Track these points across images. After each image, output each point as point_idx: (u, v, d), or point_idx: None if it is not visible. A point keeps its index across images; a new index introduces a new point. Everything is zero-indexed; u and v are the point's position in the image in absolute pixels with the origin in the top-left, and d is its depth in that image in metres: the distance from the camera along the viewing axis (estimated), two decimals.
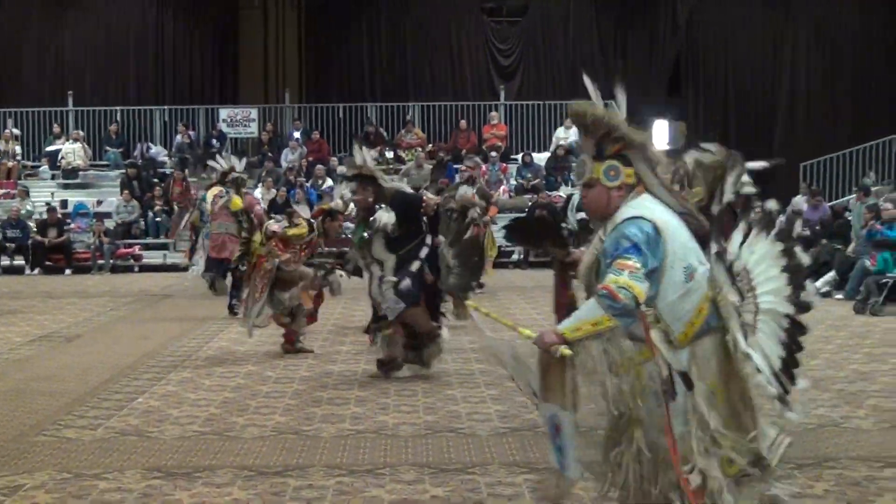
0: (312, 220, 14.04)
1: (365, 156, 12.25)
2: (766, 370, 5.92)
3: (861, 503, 7.35)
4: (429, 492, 7.66)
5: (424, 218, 12.17)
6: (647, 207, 5.76)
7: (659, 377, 5.70)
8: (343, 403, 10.89)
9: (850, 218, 23.79)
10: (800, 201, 24.92)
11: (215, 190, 17.97)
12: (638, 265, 5.56)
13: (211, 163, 18.72)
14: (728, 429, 5.84)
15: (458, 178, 23.12)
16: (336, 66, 35.43)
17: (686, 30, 35.08)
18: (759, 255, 5.94)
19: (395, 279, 11.94)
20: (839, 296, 20.44)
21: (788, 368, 6.04)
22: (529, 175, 31.14)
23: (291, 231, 13.92)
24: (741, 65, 35.09)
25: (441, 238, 12.70)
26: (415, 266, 11.97)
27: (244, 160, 18.56)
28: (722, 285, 5.77)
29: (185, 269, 23.84)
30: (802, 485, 7.76)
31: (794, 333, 5.93)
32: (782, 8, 34.81)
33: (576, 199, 28.39)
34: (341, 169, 29.60)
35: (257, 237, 14.19)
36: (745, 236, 5.96)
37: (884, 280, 18.97)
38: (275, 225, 14.13)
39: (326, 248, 16.01)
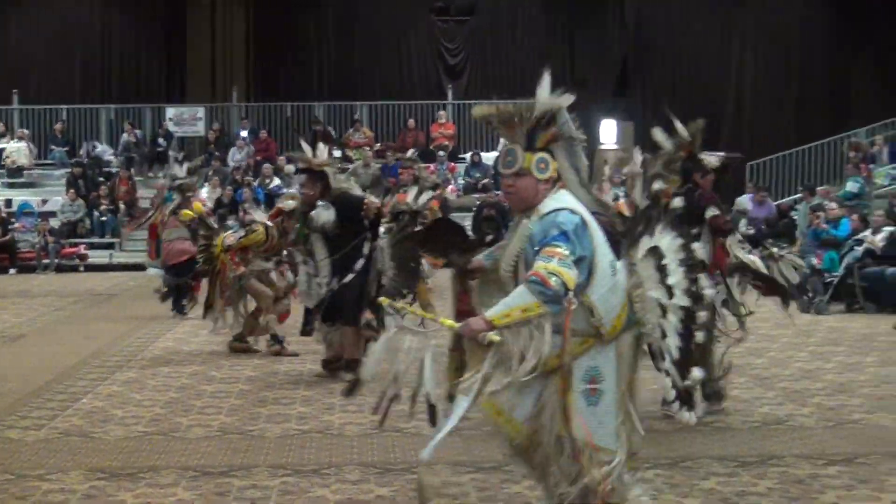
0: (269, 224, 13.88)
1: (320, 152, 12.19)
2: (671, 366, 6.10)
3: (804, 500, 7.39)
4: (374, 491, 7.65)
5: (366, 222, 12.00)
6: (570, 201, 5.86)
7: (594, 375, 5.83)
8: (289, 403, 10.87)
9: (795, 217, 23.92)
10: (744, 201, 25.04)
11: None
12: (566, 252, 5.61)
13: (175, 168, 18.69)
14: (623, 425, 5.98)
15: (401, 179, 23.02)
16: (284, 64, 35.32)
17: (634, 29, 35.19)
18: (664, 249, 6.17)
19: (327, 282, 11.80)
20: None
21: (685, 362, 6.14)
22: (478, 174, 31.14)
23: (247, 239, 13.81)
24: (689, 65, 35.23)
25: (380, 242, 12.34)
26: (348, 277, 11.74)
27: (185, 165, 18.47)
28: (644, 281, 5.99)
29: (145, 268, 23.71)
30: (746, 483, 7.81)
31: (688, 326, 6.12)
32: (729, 8, 34.97)
33: None
34: (289, 168, 29.52)
35: (220, 239, 14.15)
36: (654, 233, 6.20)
37: (829, 279, 19.09)
38: (231, 237, 14.02)
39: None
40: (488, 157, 32.01)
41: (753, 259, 10.62)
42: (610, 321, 5.82)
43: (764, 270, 10.55)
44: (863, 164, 26.28)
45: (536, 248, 5.69)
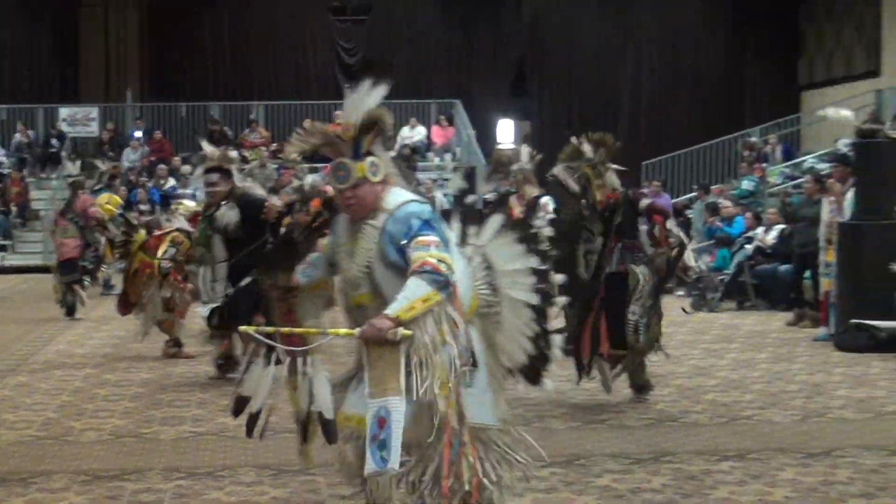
0: (190, 230, 13.62)
1: (217, 150, 12.08)
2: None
3: (697, 496, 7.45)
4: (268, 493, 7.60)
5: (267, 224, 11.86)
6: (408, 193, 5.91)
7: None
8: (183, 406, 10.79)
9: (690, 216, 24.13)
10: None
11: (105, 196, 17.85)
12: (437, 239, 5.64)
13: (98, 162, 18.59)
14: None
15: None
16: (178, 64, 35.03)
17: (531, 30, 35.31)
18: (503, 247, 6.30)
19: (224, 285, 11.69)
20: (680, 292, 20.72)
21: (536, 365, 6.45)
22: None
23: (181, 254, 13.62)
24: (585, 64, 35.43)
25: None
26: (245, 281, 11.19)
27: (78, 162, 18.34)
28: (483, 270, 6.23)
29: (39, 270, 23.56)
30: (640, 479, 7.87)
31: (540, 322, 6.34)
32: (624, 8, 35.23)
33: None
34: (185, 168, 29.28)
35: (140, 236, 14.03)
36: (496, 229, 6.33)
37: (721, 277, 19.29)
38: (166, 261, 13.77)
39: None
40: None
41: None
42: (467, 303, 5.93)
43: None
44: (756, 163, 26.58)
45: (404, 243, 5.66)
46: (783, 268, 18.15)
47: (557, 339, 6.43)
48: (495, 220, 6.37)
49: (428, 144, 33.35)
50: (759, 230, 19.52)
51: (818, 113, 22.96)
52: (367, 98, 5.82)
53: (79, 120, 32.61)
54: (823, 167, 20.94)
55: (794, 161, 27.25)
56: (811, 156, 26.80)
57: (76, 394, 11.42)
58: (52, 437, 9.48)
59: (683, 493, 7.51)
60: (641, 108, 35.43)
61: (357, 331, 5.59)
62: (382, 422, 5.50)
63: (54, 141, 31.80)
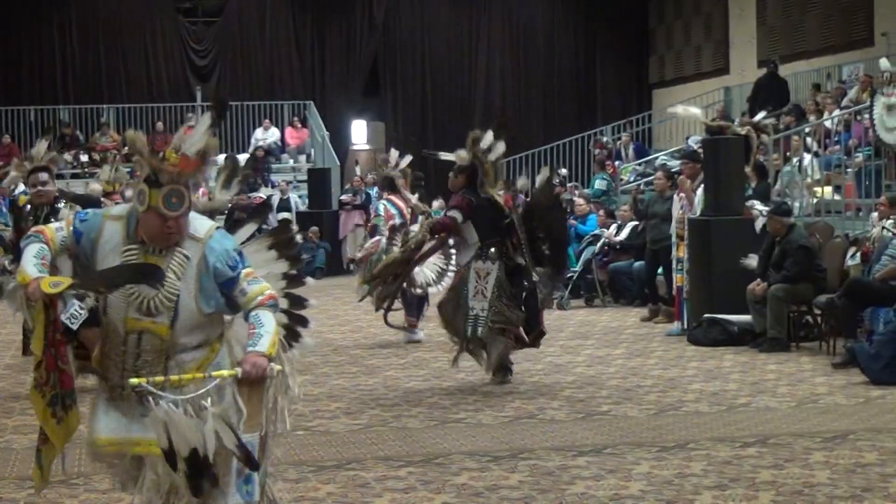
0: None
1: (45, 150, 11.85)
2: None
3: (554, 491, 7.49)
4: (125, 499, 7.48)
5: None
6: (204, 219, 5.90)
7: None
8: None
9: None
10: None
11: None
12: (252, 269, 5.78)
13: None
14: None
15: None
16: (26, 67, 34.32)
17: (383, 30, 35.28)
18: (254, 254, 6.33)
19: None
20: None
21: None
22: None
23: None
24: (438, 64, 35.48)
25: None
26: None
27: None
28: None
29: None
30: (498, 476, 7.89)
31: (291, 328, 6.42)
32: (475, 8, 35.37)
33: (275, 200, 28.43)
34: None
35: None
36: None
37: (568, 274, 19.40)
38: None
39: None
40: (242, 158, 31.73)
41: None
42: None
43: None
44: (608, 161, 26.85)
45: (234, 275, 5.64)
46: (637, 264, 18.35)
47: (309, 342, 6.55)
48: (248, 228, 6.57)
49: (282, 146, 33.19)
50: (614, 228, 19.69)
51: (668, 111, 23.26)
52: (204, 131, 5.74)
53: None
54: (674, 164, 21.18)
55: (645, 159, 27.57)
56: (662, 153, 27.15)
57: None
58: None
59: (540, 489, 7.55)
60: (495, 108, 35.52)
61: (239, 371, 5.51)
62: (250, 457, 5.53)
63: None
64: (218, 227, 5.79)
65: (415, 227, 11.87)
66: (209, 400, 5.53)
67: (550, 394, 11.14)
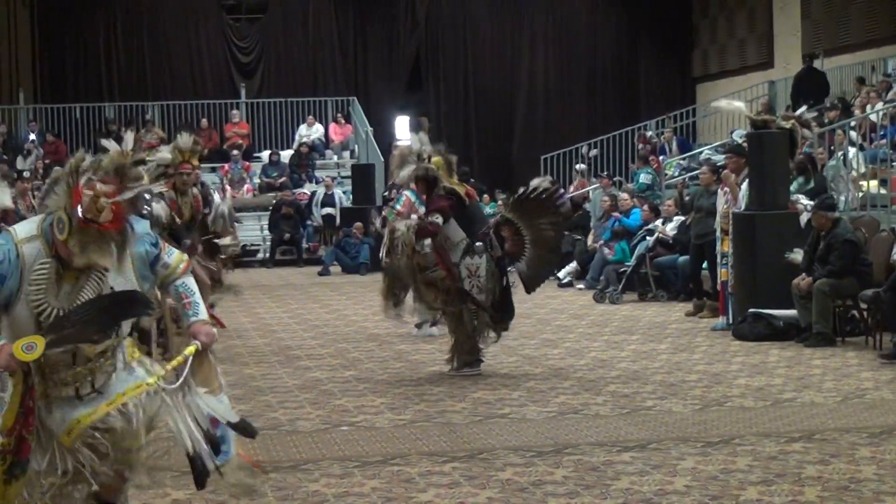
0: None
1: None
2: None
3: (599, 487, 7.48)
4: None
5: None
6: None
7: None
8: None
9: (588, 209, 24.26)
10: None
11: None
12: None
13: None
14: None
15: None
16: (72, 65, 34.58)
17: (425, 25, 35.32)
18: None
19: None
20: (580, 286, 20.87)
21: None
22: (275, 173, 30.94)
23: None
24: (480, 59, 35.52)
25: None
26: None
27: None
28: None
29: None
30: (542, 472, 7.88)
31: None
32: (518, 3, 35.38)
33: (320, 195, 28.52)
34: None
35: None
36: None
37: (622, 269, 19.40)
38: None
39: None
40: (283, 156, 31.87)
41: None
42: None
43: None
44: (652, 156, 26.78)
45: (157, 253, 5.69)
46: (682, 259, 18.30)
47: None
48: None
49: (326, 142, 33.28)
50: (658, 222, 19.64)
51: (712, 105, 23.18)
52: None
53: None
54: (719, 158, 21.10)
55: (690, 153, 27.48)
56: (707, 147, 27.05)
57: None
58: None
59: (585, 485, 7.54)
60: (538, 102, 35.59)
61: (198, 344, 5.62)
62: (215, 422, 5.63)
63: None
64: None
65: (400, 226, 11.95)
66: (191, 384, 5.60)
67: (595, 389, 11.11)
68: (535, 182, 12.34)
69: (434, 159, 12.19)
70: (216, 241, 13.07)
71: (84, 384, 5.48)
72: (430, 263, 11.91)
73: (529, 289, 12.56)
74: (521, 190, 12.30)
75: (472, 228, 12.03)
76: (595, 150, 29.40)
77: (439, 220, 11.83)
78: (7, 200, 6.23)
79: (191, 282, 5.73)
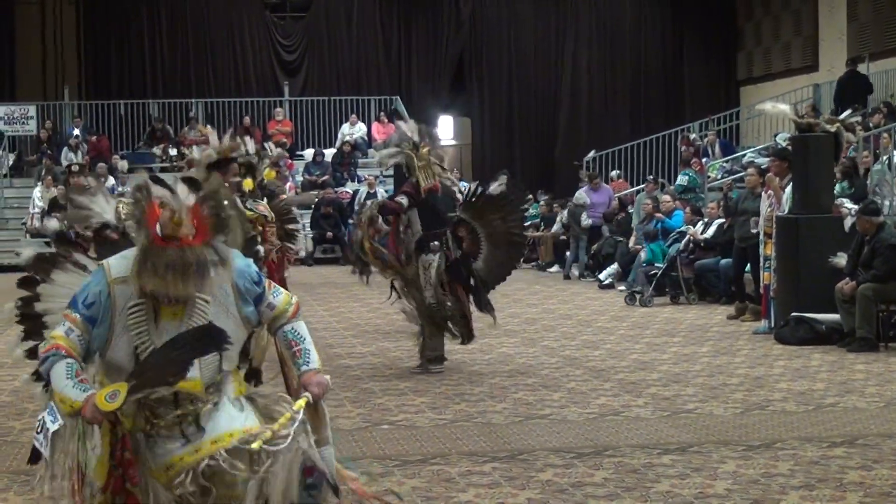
0: None
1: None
2: None
3: (639, 489, 7.47)
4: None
5: None
6: None
7: None
8: None
9: (631, 211, 24.22)
10: (582, 195, 25.25)
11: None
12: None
13: None
14: None
15: None
16: (116, 62, 34.76)
17: (469, 25, 35.35)
18: None
19: None
20: (622, 287, 20.82)
21: None
22: (318, 171, 31.01)
23: None
24: (524, 59, 35.50)
25: None
26: None
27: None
28: None
29: None
30: (582, 473, 7.88)
31: None
32: (562, 3, 35.34)
33: (362, 194, 28.52)
34: (123, 165, 29.12)
35: None
36: None
37: (653, 271, 19.35)
38: None
39: None
40: (328, 154, 31.94)
41: None
42: None
43: None
44: (695, 158, 26.70)
45: (259, 293, 5.27)
46: (724, 261, 18.23)
47: None
48: None
49: (368, 141, 33.32)
50: (700, 225, 19.56)
51: (757, 108, 23.09)
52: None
53: (16, 118, 32.22)
54: (762, 161, 21.01)
55: (733, 155, 27.37)
56: (750, 150, 26.94)
57: (16, 394, 11.31)
58: None
59: (625, 487, 7.53)
60: (581, 104, 35.55)
61: (309, 397, 5.16)
62: (311, 470, 5.16)
63: None
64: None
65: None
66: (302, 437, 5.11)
67: (636, 391, 11.09)
68: (492, 188, 12.67)
69: (423, 150, 12.49)
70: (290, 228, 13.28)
71: (188, 423, 5.07)
72: (382, 239, 12.61)
73: (490, 285, 12.71)
74: (473, 190, 12.78)
75: (430, 224, 12.37)
76: (592, 153, 29.31)
77: (404, 200, 12.33)
78: (108, 214, 5.73)
79: (301, 327, 5.33)
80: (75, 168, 17.90)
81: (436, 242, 12.27)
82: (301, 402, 5.14)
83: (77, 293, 5.14)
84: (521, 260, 14.96)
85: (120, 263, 5.09)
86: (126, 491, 5.04)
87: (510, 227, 12.67)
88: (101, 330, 5.04)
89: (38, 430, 5.14)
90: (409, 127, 12.75)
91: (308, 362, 5.27)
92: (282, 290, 5.36)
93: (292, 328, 5.32)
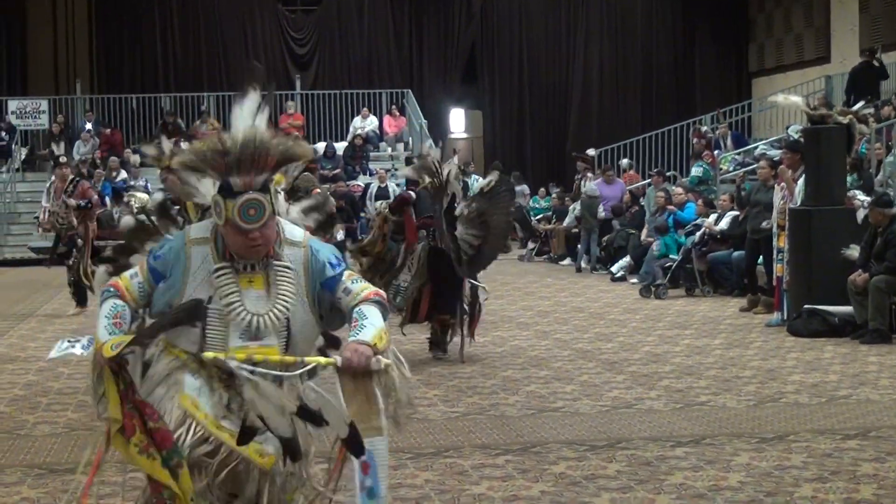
0: None
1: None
2: None
3: (652, 482, 7.47)
4: None
5: None
6: (290, 224, 5.31)
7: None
8: None
9: (643, 203, 24.19)
10: (594, 187, 25.23)
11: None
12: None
13: None
14: None
15: None
16: (128, 55, 34.81)
17: (481, 18, 35.36)
18: None
19: None
20: (634, 280, 20.80)
21: None
22: (329, 166, 31.01)
23: None
24: (535, 53, 35.52)
25: None
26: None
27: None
28: None
29: None
30: (595, 466, 7.88)
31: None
32: None
33: (373, 188, 28.53)
34: (135, 159, 29.13)
35: None
36: None
37: (668, 264, 19.33)
38: None
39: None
40: (339, 148, 31.96)
41: None
42: None
43: None
44: (707, 150, 26.66)
45: (334, 274, 5.12)
46: (736, 254, 18.21)
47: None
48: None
49: (380, 134, 33.34)
50: (711, 217, 19.53)
51: (769, 100, 23.06)
52: (256, 119, 5.16)
53: (28, 112, 32.25)
54: (774, 153, 20.99)
55: (745, 148, 27.33)
56: (762, 142, 26.92)
57: (29, 388, 11.33)
58: (4, 431, 9.40)
59: (638, 480, 7.53)
60: (592, 96, 35.56)
61: (337, 359, 4.91)
62: (367, 467, 4.90)
63: (3, 134, 31.51)
64: (304, 229, 5.30)
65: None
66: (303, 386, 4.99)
67: (648, 383, 11.09)
68: (482, 182, 13.54)
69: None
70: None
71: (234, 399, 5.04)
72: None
73: (474, 271, 13.14)
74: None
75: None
76: (591, 151, 29.31)
77: (412, 195, 13.17)
78: (207, 199, 5.50)
79: (370, 308, 5.02)
80: (62, 160, 17.93)
81: (422, 232, 12.93)
82: (322, 359, 5.04)
83: (156, 246, 5.30)
84: (507, 249, 15.22)
85: (198, 227, 5.20)
86: (150, 429, 4.89)
87: (498, 218, 13.10)
88: (167, 286, 5.07)
89: (69, 340, 5.30)
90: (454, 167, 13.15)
91: (357, 333, 4.96)
92: (363, 280, 5.17)
93: (359, 309, 5.04)
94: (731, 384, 11.02)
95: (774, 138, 26.24)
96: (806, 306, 14.28)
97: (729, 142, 28.19)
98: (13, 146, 31.02)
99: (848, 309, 14.03)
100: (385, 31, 35.30)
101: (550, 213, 27.50)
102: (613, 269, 22.11)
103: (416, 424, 9.34)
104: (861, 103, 17.87)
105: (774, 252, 15.28)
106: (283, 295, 5.03)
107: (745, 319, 15.94)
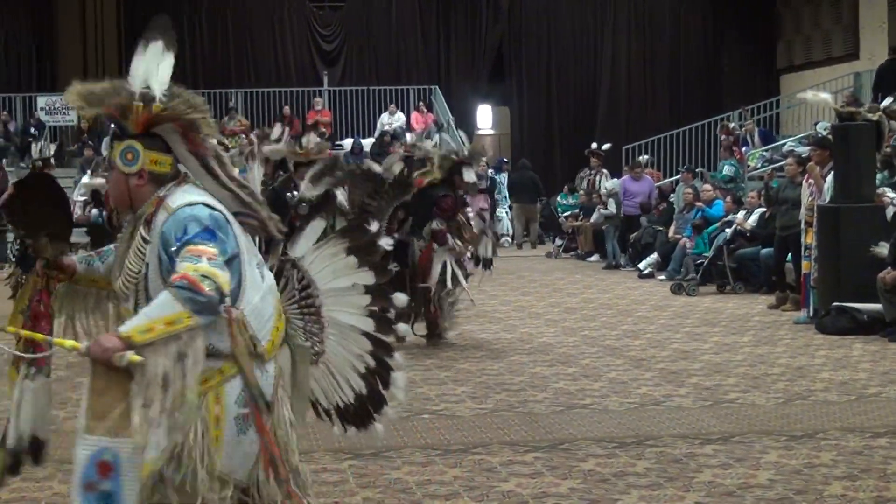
0: None
1: None
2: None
3: (681, 479, 7.46)
4: None
5: None
6: (201, 195, 4.85)
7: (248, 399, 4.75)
8: None
9: (672, 200, 24.16)
10: (616, 183, 25.17)
11: None
12: (216, 251, 4.58)
13: None
14: None
15: None
16: None
17: (508, 15, 35.34)
18: (328, 259, 5.41)
19: None
20: (661, 276, 20.78)
21: (365, 405, 5.53)
22: (357, 161, 30.98)
23: None
24: (563, 50, 35.49)
25: None
26: None
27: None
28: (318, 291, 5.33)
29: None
30: (624, 463, 7.88)
31: (376, 354, 5.58)
32: None
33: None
34: None
35: None
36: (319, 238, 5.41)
37: (700, 261, 19.30)
38: None
39: None
40: (365, 143, 31.98)
41: None
42: (266, 335, 4.90)
43: None
44: (735, 147, 26.60)
45: (174, 249, 4.62)
46: (765, 251, 18.16)
47: (399, 379, 5.69)
48: (315, 226, 5.45)
49: (407, 130, 33.35)
50: (740, 214, 19.49)
51: (798, 96, 22.99)
52: (161, 65, 5.11)
53: (57, 109, 32.35)
54: (802, 150, 20.92)
55: (773, 144, 27.26)
56: (790, 139, 26.84)
57: (60, 383, 11.34)
58: None
59: (667, 477, 7.53)
60: (620, 93, 35.52)
61: (83, 346, 4.55)
62: (106, 468, 4.48)
63: (33, 129, 31.62)
64: (199, 202, 4.76)
65: None
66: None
67: (677, 381, 11.08)
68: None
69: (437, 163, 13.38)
70: None
71: None
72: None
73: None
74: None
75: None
76: (607, 145, 29.25)
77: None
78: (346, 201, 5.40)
79: (161, 296, 4.53)
80: (48, 157, 18.18)
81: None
82: (68, 342, 4.74)
83: None
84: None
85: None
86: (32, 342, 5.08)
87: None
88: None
89: None
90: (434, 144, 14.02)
91: (124, 324, 4.56)
92: (202, 259, 4.50)
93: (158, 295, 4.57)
94: (759, 382, 11.00)
95: (802, 135, 26.16)
96: (834, 304, 14.24)
97: (756, 138, 28.11)
98: (42, 142, 31.06)
99: (877, 306, 13.97)
100: (413, 27, 35.32)
101: (578, 210, 27.46)
102: (641, 265, 22.08)
103: (445, 421, 9.37)
104: (889, 100, 17.77)
105: (803, 249, 15.24)
106: (130, 259, 4.78)
107: (774, 317, 15.90)
